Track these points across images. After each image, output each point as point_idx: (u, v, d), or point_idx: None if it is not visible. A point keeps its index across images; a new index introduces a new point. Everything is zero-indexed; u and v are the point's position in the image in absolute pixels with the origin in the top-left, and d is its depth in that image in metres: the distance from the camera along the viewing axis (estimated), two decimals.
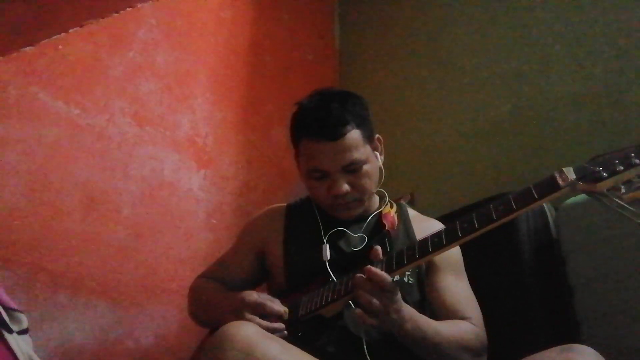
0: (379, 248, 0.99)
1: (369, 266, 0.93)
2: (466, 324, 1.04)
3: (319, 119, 1.09)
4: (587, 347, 0.81)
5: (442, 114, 1.95)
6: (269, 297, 1.05)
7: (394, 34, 2.24)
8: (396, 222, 1.17)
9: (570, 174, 0.81)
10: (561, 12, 1.65)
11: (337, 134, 1.06)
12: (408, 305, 0.97)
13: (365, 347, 0.98)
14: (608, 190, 0.77)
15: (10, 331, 1.00)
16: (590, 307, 1.21)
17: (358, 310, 0.92)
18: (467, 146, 1.83)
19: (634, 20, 1.47)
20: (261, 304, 1.01)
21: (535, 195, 0.82)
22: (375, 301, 0.90)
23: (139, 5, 1.79)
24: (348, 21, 2.50)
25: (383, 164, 1.18)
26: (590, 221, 1.24)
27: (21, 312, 1.07)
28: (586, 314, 1.22)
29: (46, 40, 1.57)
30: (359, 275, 0.93)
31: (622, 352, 1.11)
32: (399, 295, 0.94)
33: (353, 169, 1.09)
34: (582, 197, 1.28)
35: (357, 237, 1.15)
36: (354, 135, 1.08)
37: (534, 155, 1.61)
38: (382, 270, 0.93)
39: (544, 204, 1.36)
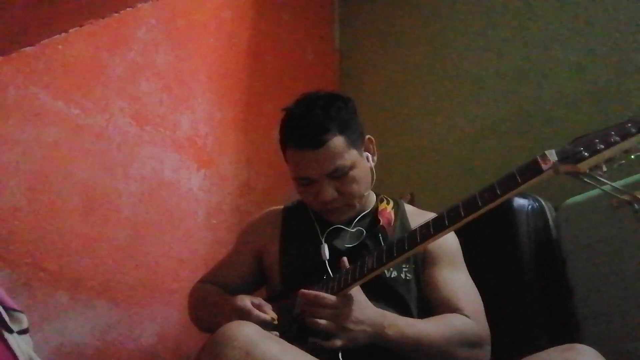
0: (345, 260, 1.00)
1: (301, 290, 0.96)
2: (458, 316, 1.03)
3: (300, 127, 1.09)
4: (587, 347, 0.81)
5: (442, 114, 1.95)
6: (261, 301, 1.05)
7: (394, 34, 2.24)
8: (392, 218, 1.17)
9: (553, 156, 0.80)
10: (561, 12, 1.64)
11: (318, 142, 1.06)
12: (384, 311, 0.98)
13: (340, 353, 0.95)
14: (590, 169, 0.77)
15: (10, 331, 1.00)
16: (590, 307, 1.21)
17: (311, 339, 0.93)
18: (467, 146, 1.83)
19: (634, 20, 1.47)
20: (248, 310, 1.01)
21: (519, 180, 0.81)
22: (322, 321, 0.91)
23: (139, 5, 1.79)
24: (348, 21, 2.50)
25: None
26: (590, 221, 1.24)
27: (21, 312, 1.07)
28: (586, 314, 1.22)
29: (46, 40, 1.57)
30: (299, 300, 0.95)
31: (622, 352, 1.11)
32: (354, 307, 0.94)
33: (338, 175, 1.09)
34: (582, 196, 1.29)
35: (353, 234, 1.15)
36: (337, 142, 1.07)
37: (534, 155, 1.61)
38: (372, 265, 0.93)
39: (544, 204, 1.37)
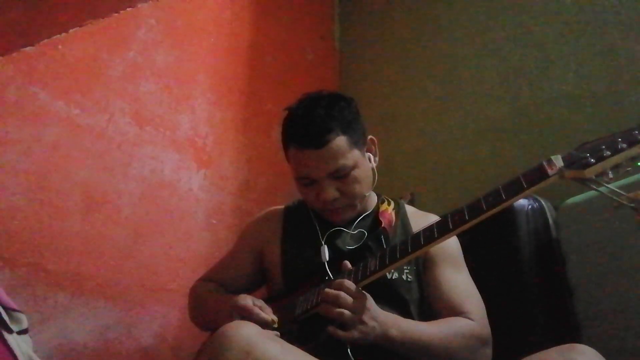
0: (347, 263, 1.00)
1: (335, 279, 0.95)
2: (462, 320, 1.03)
3: (302, 127, 1.08)
4: (587, 347, 0.81)
5: (442, 114, 1.95)
6: (262, 303, 1.04)
7: (394, 34, 2.24)
8: (393, 220, 1.17)
9: (559, 161, 0.81)
10: (561, 12, 1.64)
11: (320, 142, 1.06)
12: (387, 312, 0.98)
13: (348, 349, 0.95)
14: (596, 176, 0.77)
15: (10, 331, 1.00)
16: (590, 307, 1.21)
17: (331, 328, 0.92)
18: (467, 146, 1.83)
19: (633, 20, 1.47)
20: (250, 310, 1.00)
21: (524, 185, 0.81)
22: (346, 312, 0.90)
23: (139, 5, 1.79)
24: (348, 21, 2.50)
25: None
26: (590, 221, 1.24)
27: (21, 312, 1.07)
28: (586, 314, 1.22)
29: (46, 40, 1.57)
30: (325, 289, 0.94)
31: (622, 352, 1.11)
32: (371, 302, 0.94)
33: (340, 176, 1.08)
34: (582, 196, 1.29)
35: (354, 236, 1.15)
36: (339, 142, 1.07)
37: (534, 155, 1.61)
38: (375, 267, 0.93)
39: (544, 204, 1.37)
